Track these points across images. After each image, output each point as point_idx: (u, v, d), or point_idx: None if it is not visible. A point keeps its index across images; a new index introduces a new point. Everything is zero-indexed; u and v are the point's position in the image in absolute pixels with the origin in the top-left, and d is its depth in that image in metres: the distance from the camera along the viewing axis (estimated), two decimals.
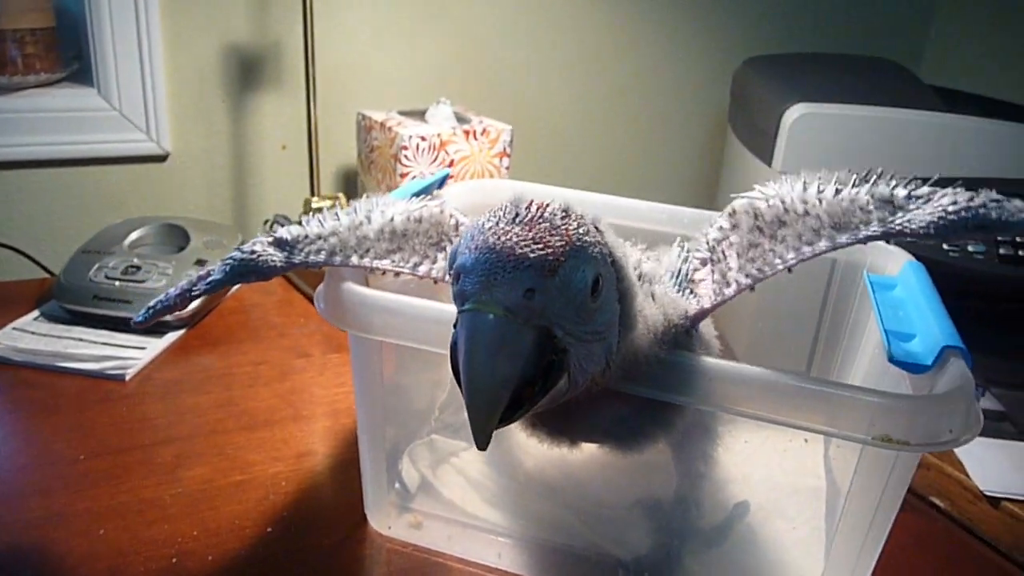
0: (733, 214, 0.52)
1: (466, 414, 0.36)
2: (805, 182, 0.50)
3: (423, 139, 0.98)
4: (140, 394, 0.74)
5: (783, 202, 0.49)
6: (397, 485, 0.61)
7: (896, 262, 0.63)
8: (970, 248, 0.89)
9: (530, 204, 0.39)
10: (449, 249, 0.43)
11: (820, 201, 0.48)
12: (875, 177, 0.48)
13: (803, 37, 1.44)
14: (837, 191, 0.48)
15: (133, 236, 0.91)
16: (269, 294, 0.95)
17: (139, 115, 1.03)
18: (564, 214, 0.39)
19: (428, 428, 0.68)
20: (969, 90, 1.15)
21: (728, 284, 0.50)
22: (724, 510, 0.60)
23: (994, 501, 0.66)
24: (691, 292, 0.52)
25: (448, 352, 0.39)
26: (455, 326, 0.38)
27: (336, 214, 0.53)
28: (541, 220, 0.38)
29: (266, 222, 1.01)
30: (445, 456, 0.65)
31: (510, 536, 0.58)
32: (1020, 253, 0.90)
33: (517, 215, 0.38)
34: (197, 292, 0.51)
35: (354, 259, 0.51)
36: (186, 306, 0.53)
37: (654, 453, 0.55)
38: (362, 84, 1.14)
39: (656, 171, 1.41)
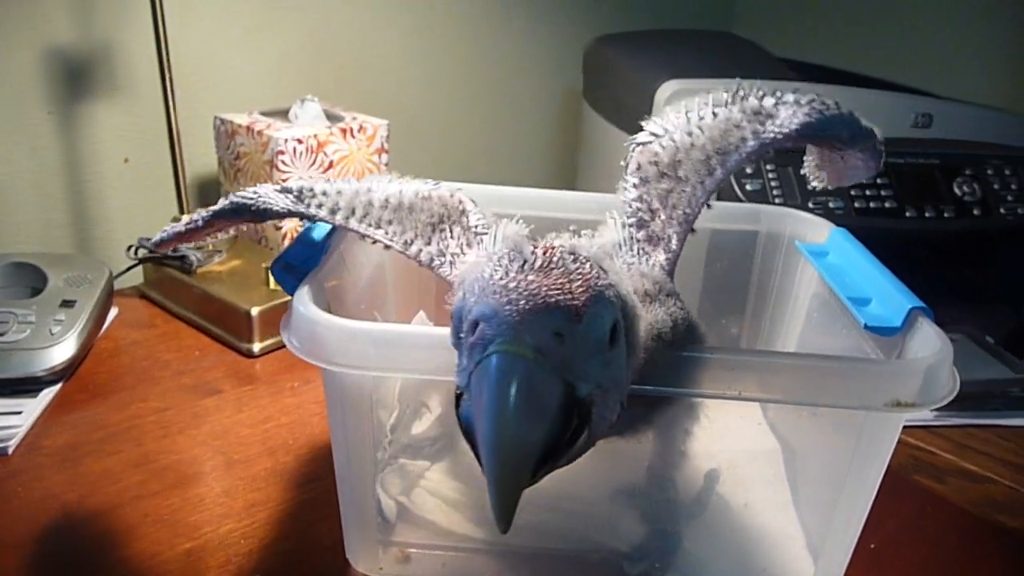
0: (639, 168, 0.53)
1: (488, 485, 0.33)
2: (687, 111, 0.52)
3: (299, 142, 0.91)
4: (31, 468, 0.63)
5: (674, 140, 0.51)
6: (378, 519, 0.57)
7: (817, 229, 0.67)
8: (831, 205, 0.98)
9: (535, 250, 0.37)
10: (455, 301, 0.39)
11: (701, 129, 0.50)
12: (744, 92, 0.51)
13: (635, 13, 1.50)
14: (714, 114, 0.51)
15: None
16: (150, 327, 0.85)
17: None
18: (574, 258, 0.37)
19: (384, 453, 0.64)
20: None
21: (669, 239, 0.50)
22: (697, 481, 0.61)
23: None
24: (646, 254, 0.53)
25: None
26: (462, 387, 0.36)
27: (336, 181, 0.53)
28: (556, 266, 0.36)
29: (130, 248, 0.90)
30: (415, 480, 0.61)
31: (505, 552, 0.56)
32: (871, 205, 0.99)
33: (526, 262, 0.36)
34: (198, 221, 0.53)
35: (352, 222, 0.50)
36: (193, 238, 0.57)
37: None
38: (209, 85, 1.04)
39: (522, 152, 1.41)
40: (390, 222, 0.51)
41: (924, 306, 0.50)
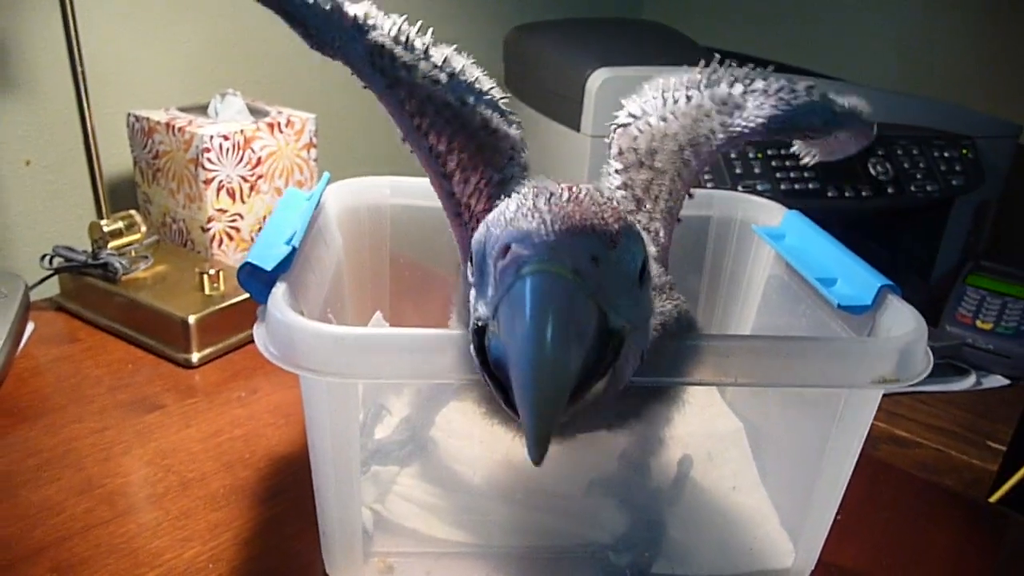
0: (620, 153, 0.52)
1: (521, 414, 0.31)
2: (663, 90, 0.52)
3: (226, 138, 0.86)
4: None
5: (650, 124, 0.51)
6: None
7: (770, 212, 0.68)
8: (758, 187, 1.01)
9: (560, 186, 0.36)
10: (475, 236, 0.37)
11: (675, 115, 0.50)
12: (716, 76, 0.51)
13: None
14: (688, 98, 0.50)
15: None
16: (72, 342, 0.78)
17: None
18: (599, 194, 0.36)
19: None
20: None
21: (657, 233, 0.50)
22: (671, 467, 0.62)
23: None
24: None
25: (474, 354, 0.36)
26: (486, 319, 0.35)
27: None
28: (585, 198, 0.35)
29: (44, 256, 0.82)
30: (387, 486, 0.59)
31: (490, 553, 0.55)
32: (796, 187, 1.03)
33: (553, 194, 0.35)
34: None
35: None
36: None
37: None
38: (118, 81, 0.97)
39: None
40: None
41: (892, 283, 0.52)
